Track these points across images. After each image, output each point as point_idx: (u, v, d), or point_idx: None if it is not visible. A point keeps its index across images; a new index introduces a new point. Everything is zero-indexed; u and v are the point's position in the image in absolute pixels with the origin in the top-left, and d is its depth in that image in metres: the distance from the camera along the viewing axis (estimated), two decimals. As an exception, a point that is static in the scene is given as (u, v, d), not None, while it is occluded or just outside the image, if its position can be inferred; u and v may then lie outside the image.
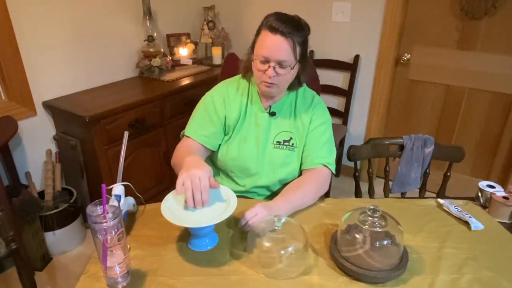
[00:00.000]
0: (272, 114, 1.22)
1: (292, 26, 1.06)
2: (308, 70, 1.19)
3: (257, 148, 1.22)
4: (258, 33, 1.11)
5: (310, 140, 1.22)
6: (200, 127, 1.22)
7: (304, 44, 1.11)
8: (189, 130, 1.23)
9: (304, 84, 1.26)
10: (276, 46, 1.05)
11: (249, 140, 1.22)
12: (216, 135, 1.23)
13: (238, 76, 1.27)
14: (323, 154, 1.20)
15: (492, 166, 2.33)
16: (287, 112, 1.24)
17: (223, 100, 1.22)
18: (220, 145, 1.26)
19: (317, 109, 1.24)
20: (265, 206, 1.03)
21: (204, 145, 1.21)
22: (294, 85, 1.20)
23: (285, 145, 1.22)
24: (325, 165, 1.20)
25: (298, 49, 1.08)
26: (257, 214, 0.99)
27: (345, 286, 0.87)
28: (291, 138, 1.23)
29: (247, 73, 1.22)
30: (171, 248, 0.98)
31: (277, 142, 1.22)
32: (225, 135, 1.26)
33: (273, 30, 1.05)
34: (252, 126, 1.23)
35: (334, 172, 1.24)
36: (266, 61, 1.08)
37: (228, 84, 1.27)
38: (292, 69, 1.10)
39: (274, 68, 1.07)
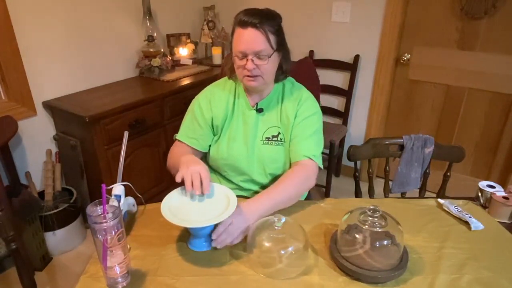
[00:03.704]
0: (260, 110, 1.23)
1: (261, 17, 1.08)
2: (289, 58, 1.20)
3: (246, 146, 1.23)
4: (232, 33, 1.14)
5: (296, 132, 1.21)
6: (189, 131, 1.26)
7: (278, 32, 1.12)
8: (179, 134, 1.28)
9: (292, 79, 1.28)
10: (249, 38, 1.08)
11: (238, 138, 1.23)
12: (204, 137, 1.25)
13: (224, 78, 1.30)
14: (308, 147, 1.19)
15: (492, 166, 2.33)
16: (274, 108, 1.24)
17: (208, 101, 1.24)
18: (210, 145, 1.28)
19: (304, 103, 1.23)
20: (240, 213, 0.98)
21: (194, 147, 1.25)
22: (278, 76, 1.21)
23: (273, 140, 1.23)
24: (310, 158, 1.18)
25: (272, 38, 1.10)
26: (232, 223, 0.96)
27: (345, 286, 0.87)
28: (279, 133, 1.23)
29: (233, 73, 1.23)
30: (171, 248, 0.98)
31: (266, 138, 1.23)
32: (214, 135, 1.27)
33: (244, 24, 1.08)
34: (240, 124, 1.24)
35: (322, 166, 1.21)
36: (243, 55, 1.10)
37: (213, 86, 1.29)
38: (269, 57, 1.11)
39: (252, 60, 1.09)
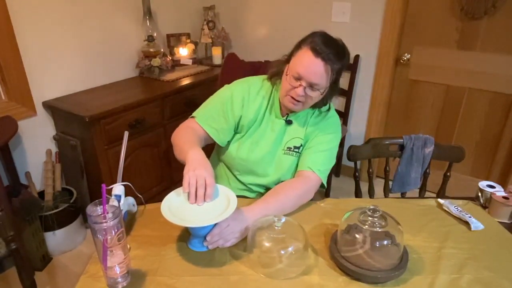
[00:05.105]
0: (289, 122, 1.21)
1: (335, 53, 1.05)
2: (335, 94, 1.18)
3: (267, 153, 1.22)
4: (299, 47, 1.09)
5: (310, 144, 1.20)
6: (212, 119, 1.21)
7: (340, 71, 1.10)
8: (200, 117, 1.21)
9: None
10: (314, 68, 1.04)
11: (262, 144, 1.22)
12: (226, 131, 1.22)
13: (263, 77, 1.25)
14: (317, 160, 1.18)
15: (492, 166, 2.33)
16: (302, 121, 1.23)
17: (242, 99, 1.20)
18: (229, 142, 1.25)
19: (328, 120, 1.23)
20: (236, 217, 0.98)
21: (212, 137, 1.21)
22: (318, 104, 1.18)
23: (294, 151, 1.22)
24: (314, 172, 1.16)
25: (332, 76, 1.07)
26: (229, 225, 0.96)
27: (345, 286, 0.87)
28: (301, 145, 1.22)
29: (274, 77, 1.20)
30: (171, 248, 0.98)
31: (288, 148, 1.22)
32: (236, 132, 1.25)
33: (316, 52, 1.03)
34: (268, 130, 1.22)
35: (325, 184, 1.20)
36: (298, 78, 1.07)
37: (251, 83, 1.24)
38: (322, 94, 1.10)
39: (304, 88, 1.07)
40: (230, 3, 2.84)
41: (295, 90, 1.08)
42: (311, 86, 1.06)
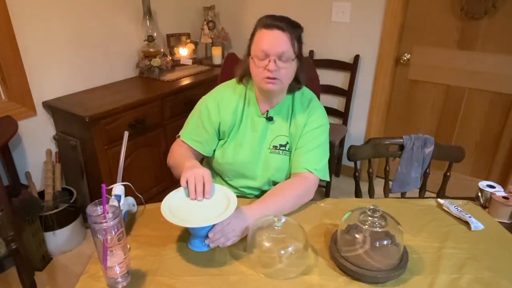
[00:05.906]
0: (270, 119, 1.21)
1: (287, 23, 1.08)
2: (305, 69, 1.18)
3: (252, 154, 1.21)
4: (253, 35, 1.12)
5: (301, 143, 1.19)
6: (193, 133, 1.24)
7: (299, 41, 1.11)
8: (183, 134, 1.25)
9: (303, 87, 1.25)
10: (275, 39, 1.06)
11: (245, 145, 1.22)
12: (209, 141, 1.24)
13: (234, 80, 1.26)
14: (312, 160, 1.17)
15: (492, 166, 2.33)
16: (284, 117, 1.22)
17: (217, 105, 1.21)
18: (215, 150, 1.26)
19: (313, 113, 1.21)
20: (237, 215, 0.99)
21: (197, 150, 1.24)
22: (293, 87, 1.19)
23: (281, 149, 1.22)
24: (311, 172, 1.16)
25: (295, 44, 1.09)
26: (230, 223, 0.96)
27: (345, 286, 0.87)
28: (287, 143, 1.22)
29: (244, 77, 1.21)
30: (171, 248, 0.98)
31: (274, 146, 1.22)
32: (220, 139, 1.26)
33: (269, 26, 1.07)
34: (248, 131, 1.22)
35: (327, 178, 1.20)
36: (265, 56, 1.07)
37: (223, 88, 1.26)
38: (292, 60, 1.09)
39: (275, 61, 1.07)
40: (230, 3, 2.84)
41: (267, 67, 1.08)
42: (280, 57, 1.07)
